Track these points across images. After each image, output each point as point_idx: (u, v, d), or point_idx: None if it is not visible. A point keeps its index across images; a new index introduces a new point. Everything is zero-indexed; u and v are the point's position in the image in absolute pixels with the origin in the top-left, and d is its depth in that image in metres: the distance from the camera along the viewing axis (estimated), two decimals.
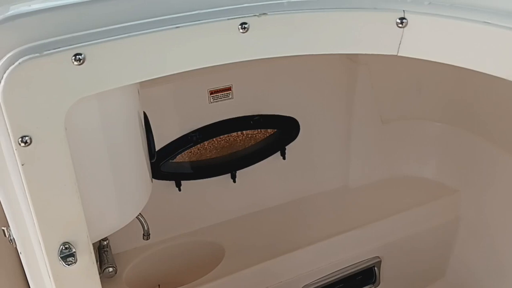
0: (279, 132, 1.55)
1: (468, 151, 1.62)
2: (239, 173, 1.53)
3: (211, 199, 1.54)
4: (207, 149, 1.49)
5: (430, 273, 1.76)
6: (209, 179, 1.51)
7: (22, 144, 0.51)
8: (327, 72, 1.54)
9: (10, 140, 0.51)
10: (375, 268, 1.58)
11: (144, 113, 0.82)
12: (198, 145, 1.47)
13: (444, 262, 1.77)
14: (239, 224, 1.57)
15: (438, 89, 1.65)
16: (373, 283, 1.62)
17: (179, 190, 1.46)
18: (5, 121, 0.50)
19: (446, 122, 1.66)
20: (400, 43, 0.58)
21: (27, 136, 0.51)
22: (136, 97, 0.74)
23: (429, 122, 1.68)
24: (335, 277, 1.52)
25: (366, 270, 1.58)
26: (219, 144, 1.50)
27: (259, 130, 1.53)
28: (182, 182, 1.46)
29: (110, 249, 1.39)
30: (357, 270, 1.55)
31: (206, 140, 1.47)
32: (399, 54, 0.59)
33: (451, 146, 1.67)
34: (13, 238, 0.62)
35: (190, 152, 1.47)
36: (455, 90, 1.62)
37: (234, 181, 1.53)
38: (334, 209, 1.63)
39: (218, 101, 1.42)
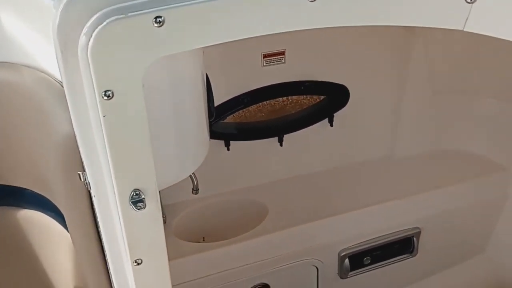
0: (328, 99, 1.56)
1: None
2: (286, 137, 1.57)
3: (257, 160, 1.59)
4: (256, 112, 1.53)
5: (469, 248, 1.77)
6: (256, 141, 1.55)
7: (105, 98, 0.56)
8: (381, 41, 1.52)
9: (95, 94, 0.56)
10: (414, 238, 1.61)
11: (206, 74, 0.85)
12: (249, 108, 1.51)
13: (485, 239, 1.77)
14: (283, 186, 1.62)
15: (494, 65, 1.61)
16: (411, 252, 1.64)
17: (228, 149, 1.51)
18: (91, 76, 0.55)
19: (500, 99, 1.62)
20: (467, 19, 0.58)
21: (110, 90, 0.56)
22: (201, 58, 0.77)
23: (482, 97, 1.64)
24: (373, 244, 1.56)
25: (405, 239, 1.60)
26: (268, 108, 1.53)
27: (308, 96, 1.55)
28: (231, 142, 1.52)
29: (161, 200, 1.47)
30: (396, 239, 1.58)
31: (256, 103, 1.51)
32: (465, 30, 0.59)
33: (503, 123, 1.64)
34: (88, 182, 0.68)
35: (239, 114, 1.51)
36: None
37: (281, 145, 1.57)
38: (378, 178, 1.65)
39: (270, 65, 1.45)
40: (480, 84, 1.64)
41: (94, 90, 0.56)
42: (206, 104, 0.84)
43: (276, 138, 1.56)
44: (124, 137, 0.59)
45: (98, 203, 0.69)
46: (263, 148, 1.56)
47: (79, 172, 0.71)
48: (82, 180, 0.71)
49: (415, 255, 1.65)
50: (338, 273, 1.58)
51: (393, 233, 1.57)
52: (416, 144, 1.71)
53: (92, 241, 0.83)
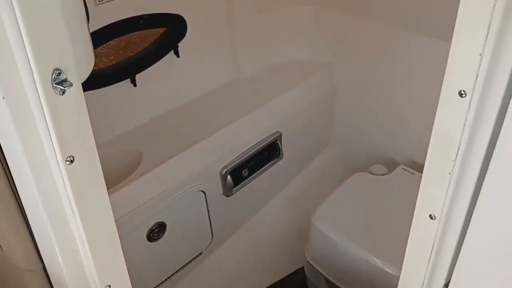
0: (169, 31, 1.58)
1: (339, 28, 1.85)
2: (138, 77, 1.54)
3: (115, 107, 1.54)
4: (102, 56, 1.47)
5: (320, 142, 2.03)
6: (109, 87, 1.50)
7: None
8: None
9: None
10: (278, 142, 1.77)
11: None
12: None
13: (329, 131, 2.05)
14: (150, 127, 1.61)
15: None
16: (278, 156, 1.81)
17: None
18: None
19: (315, 4, 1.86)
20: None
21: None
22: None
23: (301, 6, 1.86)
24: (247, 156, 1.67)
25: (271, 145, 1.75)
26: (114, 49, 1.48)
27: (149, 30, 1.54)
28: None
29: None
30: (263, 146, 1.72)
31: (97, 46, 1.44)
32: None
33: (324, 26, 1.88)
34: None
35: None
36: None
37: (135, 85, 1.54)
38: (233, 99, 1.75)
39: (103, 2, 1.40)
40: None
41: None
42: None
43: (128, 80, 1.53)
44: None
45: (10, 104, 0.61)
46: (118, 92, 1.52)
47: None
48: None
49: (281, 158, 1.82)
50: (223, 193, 1.66)
51: (260, 141, 1.71)
52: (255, 62, 1.85)
53: None
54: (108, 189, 1.40)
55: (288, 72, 1.90)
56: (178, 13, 1.58)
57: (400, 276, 1.07)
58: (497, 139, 0.74)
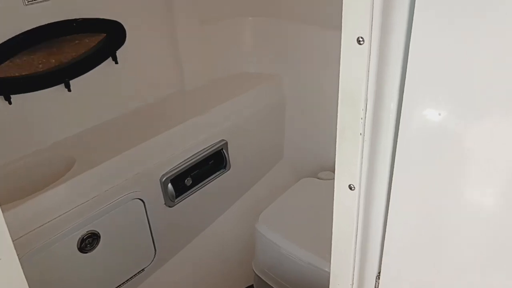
0: (107, 37, 1.56)
1: (280, 37, 1.86)
2: (73, 82, 1.50)
3: (49, 112, 1.48)
4: (35, 60, 1.43)
5: (272, 155, 1.98)
6: (43, 92, 1.45)
7: None
8: None
9: None
10: (224, 150, 1.72)
11: None
12: (25, 57, 1.40)
13: (281, 145, 2.01)
14: (85, 135, 1.55)
15: None
16: (224, 167, 1.75)
17: (10, 103, 1.37)
18: None
19: (256, 15, 1.87)
20: None
21: None
22: None
23: (242, 18, 1.87)
24: (190, 163, 1.61)
25: (216, 153, 1.70)
26: (48, 54, 1.45)
27: (88, 37, 1.52)
28: (12, 96, 1.38)
29: None
30: (208, 153, 1.67)
31: (27, 48, 1.40)
32: None
33: (265, 36, 1.89)
34: None
35: (18, 66, 1.39)
36: None
37: (69, 90, 1.50)
38: (176, 107, 1.72)
39: (33, 3, 1.37)
40: (237, 6, 1.86)
41: None
42: None
43: (63, 85, 1.49)
44: None
45: None
46: (52, 97, 1.47)
47: None
48: None
49: (229, 169, 1.77)
50: (165, 203, 1.59)
51: (204, 148, 1.66)
52: (200, 74, 1.83)
53: None
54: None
55: (234, 82, 1.88)
56: (117, 20, 1.56)
57: (331, 265, 1.01)
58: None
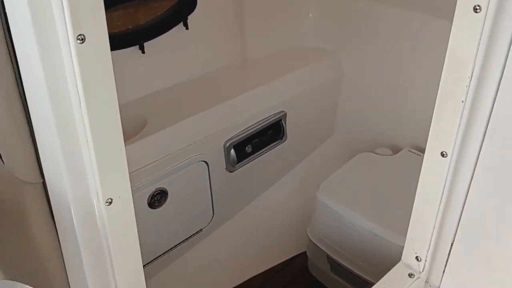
0: (179, 2, 1.60)
1: (346, 15, 1.87)
2: (146, 45, 1.55)
3: (124, 72, 1.53)
4: (114, 19, 1.48)
5: (325, 128, 2.02)
6: (118, 52, 1.50)
7: None
8: None
9: None
10: (282, 121, 1.76)
11: None
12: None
13: (332, 122, 2.04)
14: (157, 97, 1.60)
15: None
16: (281, 137, 1.79)
17: None
18: None
19: None
20: None
21: None
22: None
23: None
24: (251, 131, 1.66)
25: (275, 124, 1.74)
26: (125, 14, 1.49)
27: (162, 0, 1.56)
28: None
29: None
30: (268, 123, 1.71)
31: (110, 7, 1.45)
32: None
33: (333, 12, 1.90)
34: None
35: None
36: None
37: (143, 52, 1.54)
38: (240, 76, 1.76)
39: None
40: None
41: None
42: None
43: (137, 47, 1.54)
44: None
45: None
46: (127, 57, 1.52)
47: None
48: None
49: (285, 140, 1.81)
50: (226, 167, 1.64)
51: (265, 118, 1.70)
52: (263, 44, 1.86)
53: None
54: None
55: (295, 55, 1.90)
56: None
57: (409, 229, 1.04)
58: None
